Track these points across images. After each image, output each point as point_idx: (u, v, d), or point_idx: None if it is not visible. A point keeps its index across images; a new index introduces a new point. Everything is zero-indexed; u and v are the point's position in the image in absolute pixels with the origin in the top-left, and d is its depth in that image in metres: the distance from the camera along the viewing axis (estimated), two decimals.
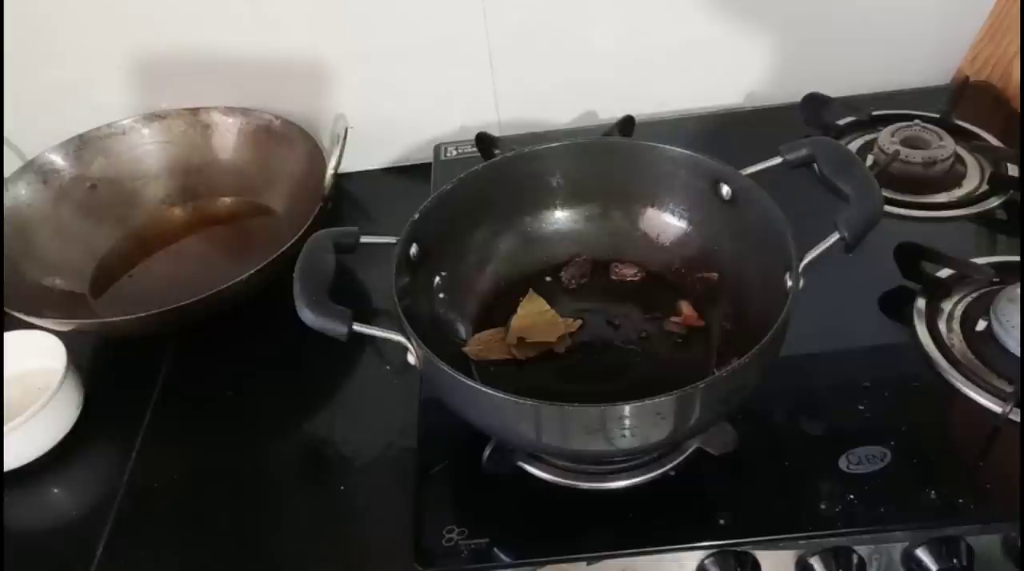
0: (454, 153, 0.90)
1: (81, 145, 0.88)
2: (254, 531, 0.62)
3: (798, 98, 0.88)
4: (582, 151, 0.68)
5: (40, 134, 0.87)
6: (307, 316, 0.54)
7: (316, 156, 0.83)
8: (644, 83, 0.91)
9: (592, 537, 0.56)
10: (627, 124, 0.86)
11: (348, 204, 0.92)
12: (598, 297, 0.68)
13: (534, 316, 0.66)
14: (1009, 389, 0.59)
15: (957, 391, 0.61)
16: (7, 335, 0.73)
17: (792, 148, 0.61)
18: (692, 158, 0.64)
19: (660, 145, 0.65)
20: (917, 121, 0.84)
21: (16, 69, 0.87)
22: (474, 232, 0.68)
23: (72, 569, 0.61)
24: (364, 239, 0.61)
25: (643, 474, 0.58)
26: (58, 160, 0.87)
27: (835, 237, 0.54)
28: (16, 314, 0.71)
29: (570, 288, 0.69)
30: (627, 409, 0.48)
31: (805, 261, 0.54)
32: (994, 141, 0.83)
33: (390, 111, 0.92)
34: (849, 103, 0.89)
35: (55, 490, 0.68)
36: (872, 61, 0.91)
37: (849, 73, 0.91)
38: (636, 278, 0.68)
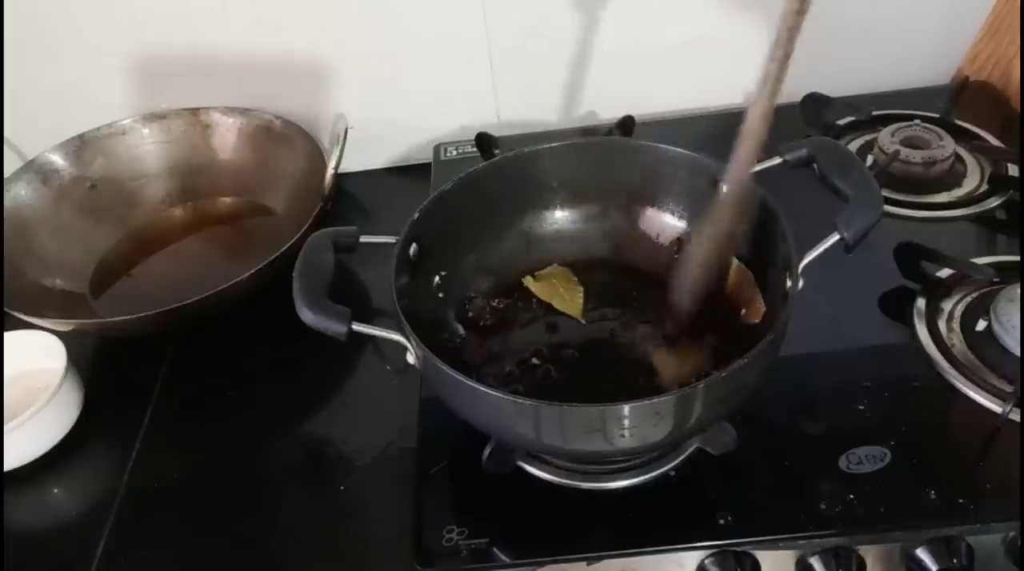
0: (454, 153, 0.90)
1: (81, 145, 0.88)
2: (254, 531, 0.62)
3: (798, 98, 0.88)
4: (582, 151, 0.68)
5: (40, 134, 0.87)
6: (306, 316, 0.54)
7: (316, 156, 0.83)
8: (644, 83, 0.91)
9: (592, 537, 0.56)
10: (627, 124, 0.86)
11: (348, 204, 0.91)
12: (598, 297, 0.68)
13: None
14: (1009, 389, 0.59)
15: (957, 391, 0.61)
16: (7, 335, 0.73)
17: (792, 148, 0.61)
18: (692, 158, 0.64)
19: (660, 145, 0.65)
20: (917, 121, 0.84)
21: (16, 69, 0.87)
22: (474, 232, 0.68)
23: (72, 569, 0.61)
24: (364, 239, 0.61)
25: (643, 474, 0.58)
26: (58, 160, 0.87)
27: (835, 237, 0.54)
28: (16, 314, 0.71)
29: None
30: (627, 409, 0.48)
31: (805, 261, 0.54)
32: (994, 141, 0.83)
33: (390, 111, 0.92)
34: (849, 103, 0.89)
35: (55, 490, 0.68)
36: (872, 61, 0.91)
37: (849, 73, 0.91)
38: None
